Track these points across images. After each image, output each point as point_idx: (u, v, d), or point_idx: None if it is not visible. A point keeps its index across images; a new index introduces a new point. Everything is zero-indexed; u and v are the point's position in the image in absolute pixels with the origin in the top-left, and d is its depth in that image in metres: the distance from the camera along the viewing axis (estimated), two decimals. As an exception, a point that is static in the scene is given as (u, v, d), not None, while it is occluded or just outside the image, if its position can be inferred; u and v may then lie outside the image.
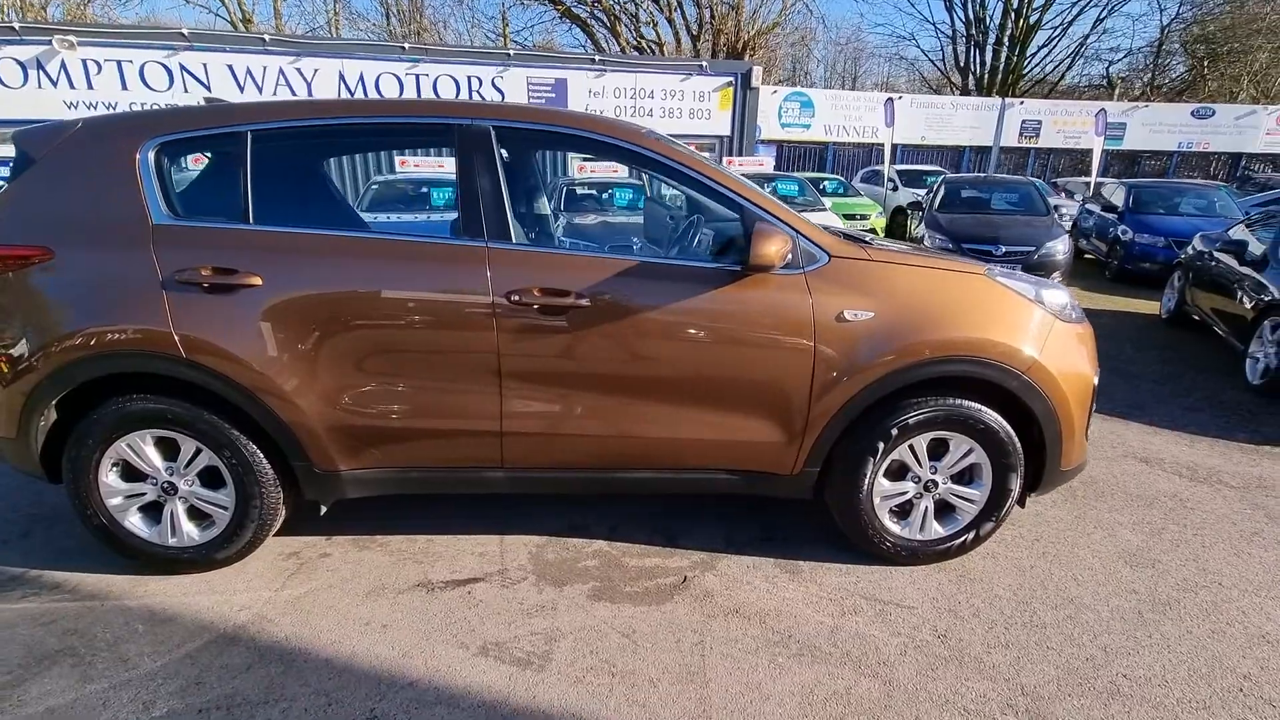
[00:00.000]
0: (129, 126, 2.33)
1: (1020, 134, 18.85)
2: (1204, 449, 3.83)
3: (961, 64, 25.41)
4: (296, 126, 2.34)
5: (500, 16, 19.92)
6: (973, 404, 2.39)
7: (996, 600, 2.42)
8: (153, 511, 2.41)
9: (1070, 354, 2.46)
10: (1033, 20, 23.46)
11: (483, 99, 11.64)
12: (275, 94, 10.48)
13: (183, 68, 10.10)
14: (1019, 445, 2.44)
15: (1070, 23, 23.47)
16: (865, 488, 2.46)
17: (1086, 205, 11.76)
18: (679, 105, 12.63)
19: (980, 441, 2.44)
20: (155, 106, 10.14)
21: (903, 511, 2.56)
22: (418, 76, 11.21)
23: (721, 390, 2.36)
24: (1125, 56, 25.30)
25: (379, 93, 11.07)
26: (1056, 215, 9.23)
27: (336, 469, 2.36)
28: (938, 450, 2.48)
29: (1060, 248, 7.82)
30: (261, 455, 2.32)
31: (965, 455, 2.47)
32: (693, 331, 2.29)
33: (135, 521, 2.39)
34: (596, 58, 12.38)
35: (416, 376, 2.29)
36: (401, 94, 11.17)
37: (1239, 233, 6.21)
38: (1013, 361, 2.35)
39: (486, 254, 2.24)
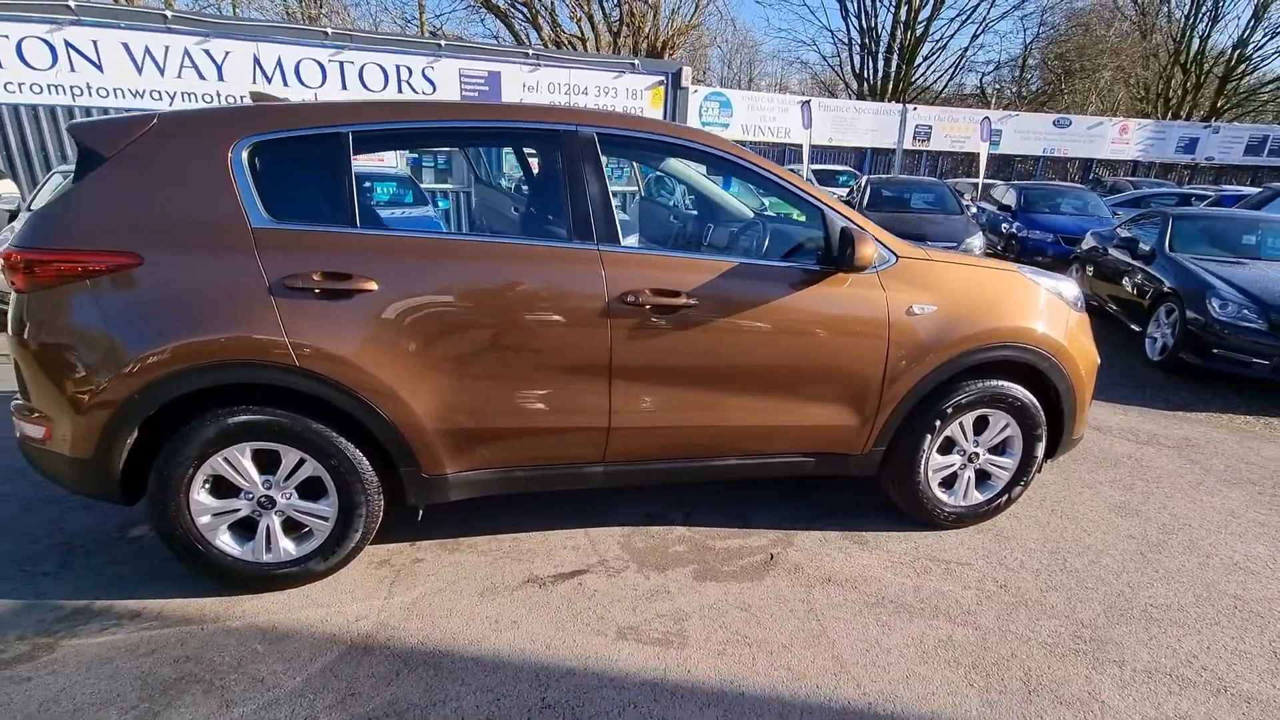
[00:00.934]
0: (217, 123, 2.21)
1: (914, 137, 20.49)
2: (1135, 417, 4.50)
3: (857, 70, 27.22)
4: (399, 129, 2.31)
5: (416, 2, 19.07)
6: (1012, 384, 2.76)
7: (1032, 553, 2.80)
8: (241, 528, 2.30)
9: (1082, 338, 2.89)
10: (919, 33, 25.62)
11: (413, 90, 11.23)
12: (180, 77, 9.59)
13: (69, 44, 8.99)
14: (1044, 418, 2.84)
15: (951, 37, 25.86)
16: (923, 462, 2.77)
17: (978, 204, 13.12)
18: (612, 103, 12.74)
19: (1015, 416, 2.81)
20: (36, 87, 9.00)
21: (948, 482, 2.89)
22: (342, 64, 10.62)
23: (808, 380, 2.57)
24: (995, 69, 28.16)
25: (299, 79, 10.39)
26: (968, 214, 10.24)
27: (444, 472, 2.36)
28: (979, 426, 2.83)
29: (977, 243, 8.72)
30: (367, 463, 2.29)
31: (1003, 429, 2.84)
32: (784, 327, 2.49)
33: (226, 540, 2.28)
34: (530, 51, 12.24)
35: (530, 376, 2.34)
36: (324, 82, 10.55)
37: (1128, 230, 7.22)
38: (1046, 346, 2.74)
39: (600, 257, 2.32)
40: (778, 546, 2.77)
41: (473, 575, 2.50)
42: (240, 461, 2.21)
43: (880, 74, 26.38)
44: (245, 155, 2.15)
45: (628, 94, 12.82)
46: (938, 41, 26.29)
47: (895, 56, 25.47)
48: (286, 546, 2.33)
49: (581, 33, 19.10)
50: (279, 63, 10.19)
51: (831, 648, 2.19)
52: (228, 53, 9.84)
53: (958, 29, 25.86)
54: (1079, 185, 14.06)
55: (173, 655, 2.06)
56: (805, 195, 2.55)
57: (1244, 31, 28.12)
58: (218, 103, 9.96)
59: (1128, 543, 2.92)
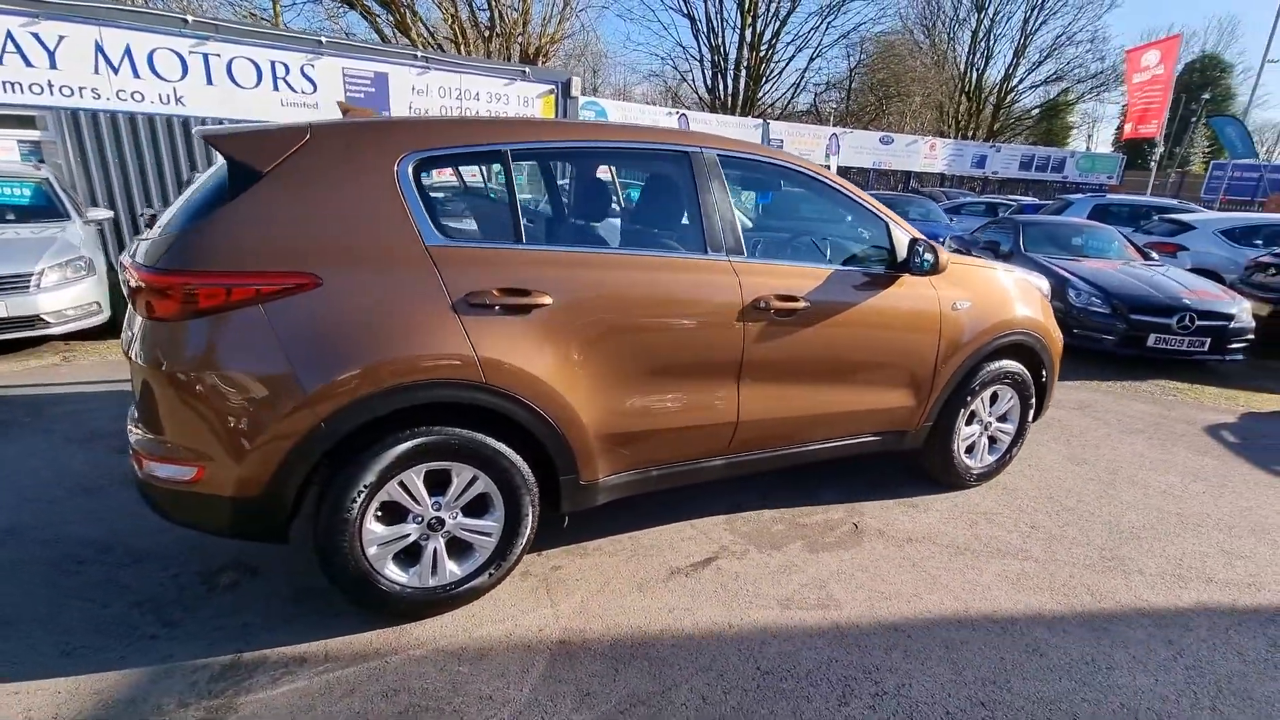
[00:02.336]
0: (380, 138, 2.13)
1: (768, 150, 22.30)
2: (1037, 387, 5.52)
3: (710, 86, 29.03)
4: (550, 148, 2.36)
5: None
6: (1016, 363, 3.38)
7: (1033, 500, 3.46)
8: (403, 554, 2.23)
9: (1054, 323, 3.61)
10: (762, 54, 27.92)
11: (290, 88, 10.31)
12: (2, 62, 8.02)
13: None
14: (1034, 389, 3.51)
15: (790, 59, 28.51)
16: (957, 433, 3.31)
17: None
18: (504, 109, 12.56)
19: (1016, 389, 3.45)
20: None
21: (970, 449, 3.47)
22: (206, 56, 9.47)
23: (884, 367, 2.99)
24: (825, 90, 31.46)
25: (154, 71, 9.11)
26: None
27: (596, 478, 2.45)
28: (992, 399, 3.43)
29: (862, 247, 9.89)
30: (532, 474, 2.32)
31: (1008, 400, 3.46)
32: (869, 322, 2.88)
33: (392, 569, 2.20)
34: (419, 54, 11.68)
35: (676, 379, 2.50)
36: (184, 75, 9.36)
37: (985, 234, 8.64)
38: (1039, 330, 3.40)
39: (733, 267, 2.55)
40: (854, 516, 3.16)
41: (618, 575, 2.61)
42: (415, 484, 2.15)
43: (730, 90, 28.42)
44: (411, 171, 2.11)
45: (520, 101, 12.71)
46: (776, 62, 28.91)
47: (744, 74, 27.59)
48: (451, 568, 2.29)
49: (455, 36, 18.46)
50: (128, 52, 8.90)
51: (948, 590, 2.61)
52: (62, 37, 8.41)
53: (795, 53, 28.63)
54: (921, 194, 16.25)
55: (378, 691, 1.97)
56: (877, 212, 2.96)
57: (1009, 67, 34.05)
58: (49, 95, 8.49)
59: (1090, 484, 3.69)
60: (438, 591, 2.28)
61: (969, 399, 3.26)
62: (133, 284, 1.97)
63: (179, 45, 9.25)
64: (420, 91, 11.50)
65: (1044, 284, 3.71)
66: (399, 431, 2.07)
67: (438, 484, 2.21)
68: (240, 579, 2.46)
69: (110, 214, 6.93)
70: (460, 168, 2.24)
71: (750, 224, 3.80)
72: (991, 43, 33.17)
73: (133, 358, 2.03)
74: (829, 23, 28.92)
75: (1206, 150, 40.09)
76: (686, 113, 17.65)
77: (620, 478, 2.53)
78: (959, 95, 32.87)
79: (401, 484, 2.13)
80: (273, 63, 10.03)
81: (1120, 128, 41.70)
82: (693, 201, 2.56)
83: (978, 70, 33.75)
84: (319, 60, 10.39)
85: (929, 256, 2.82)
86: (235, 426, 1.91)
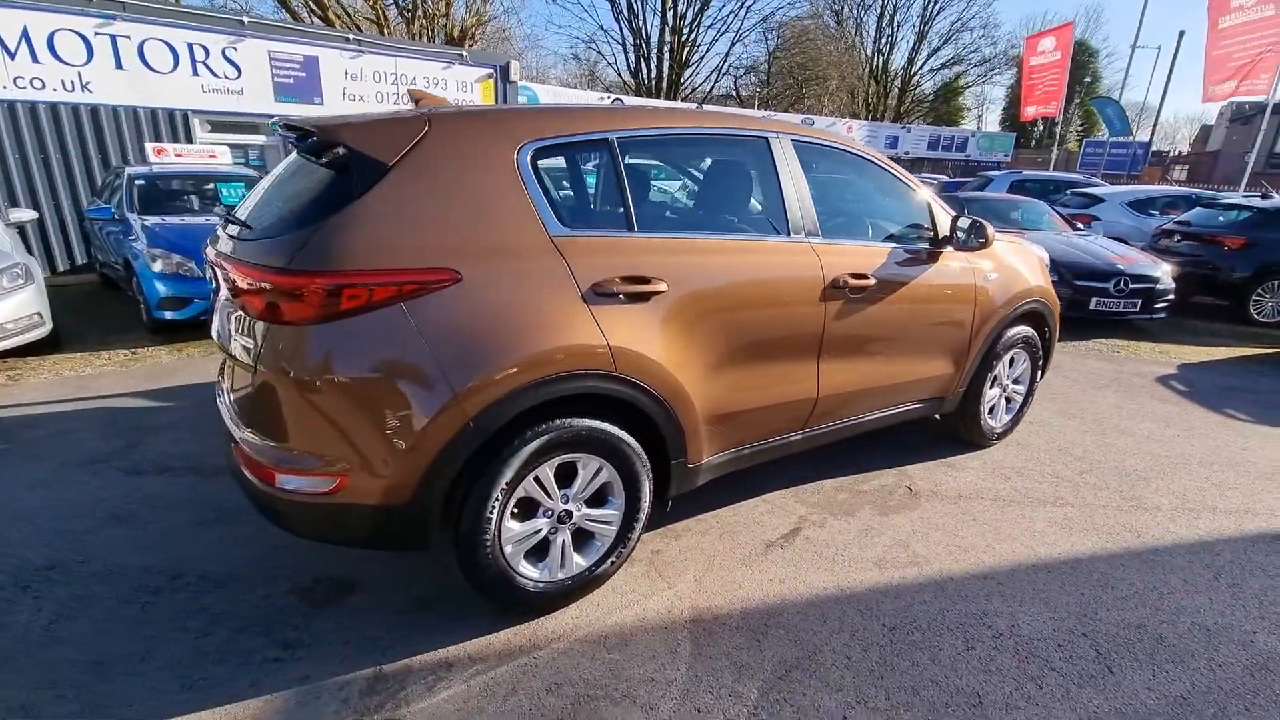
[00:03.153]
0: (498, 127, 2.06)
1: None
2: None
3: (634, 70, 28.95)
4: (649, 135, 2.35)
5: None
6: (1029, 328, 3.67)
7: (1048, 453, 3.79)
8: (533, 549, 2.21)
9: (1052, 288, 3.93)
10: (684, 37, 28.10)
11: (211, 72, 9.51)
12: None
13: None
14: (1042, 350, 3.83)
15: (713, 43, 28.81)
16: (984, 396, 3.57)
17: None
18: (442, 95, 12.11)
19: (1029, 353, 3.75)
20: None
21: (992, 410, 3.75)
22: (114, 38, 8.57)
23: (932, 338, 3.18)
24: (745, 73, 32.08)
25: (54, 55, 8.17)
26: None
27: (701, 460, 2.51)
28: (1011, 363, 3.72)
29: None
30: (648, 461, 2.34)
31: (1023, 363, 3.76)
32: (923, 295, 3.06)
33: (526, 566, 2.17)
34: (351, 37, 11.01)
35: (769, 358, 2.58)
36: (90, 59, 8.44)
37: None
38: (1048, 297, 3.71)
39: (813, 248, 2.65)
40: (905, 480, 3.37)
41: (718, 551, 2.68)
42: (548, 478, 2.14)
43: (654, 74, 28.47)
44: (529, 160, 2.06)
45: (458, 86, 12.30)
46: (699, 46, 29.20)
47: (667, 57, 27.71)
48: (577, 559, 2.30)
49: (377, 18, 17.41)
50: (25, 34, 7.93)
51: (1013, 538, 2.85)
52: (-61, 13, 7.40)
53: (716, 37, 29.03)
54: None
55: (540, 687, 1.96)
56: (928, 196, 3.14)
57: (912, 52, 35.89)
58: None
59: (1087, 435, 4.08)
60: (567, 583, 2.27)
61: (994, 364, 3.53)
62: (248, 285, 1.84)
63: (82, 26, 8.37)
64: (354, 76, 10.91)
65: (1044, 253, 4.04)
66: (535, 426, 2.04)
67: (565, 477, 2.20)
68: (339, 594, 2.36)
69: (35, 215, 6.20)
70: (569, 156, 2.20)
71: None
72: (895, 29, 34.86)
73: (247, 363, 1.90)
74: (747, 7, 29.53)
75: (1079, 129, 43.73)
76: (622, 98, 17.54)
77: (719, 458, 2.59)
78: (868, 79, 34.37)
79: (536, 479, 2.11)
80: (190, 45, 9.24)
81: (1008, 109, 44.91)
82: (775, 186, 2.63)
83: (883, 55, 35.41)
84: (242, 42, 9.64)
85: (979, 232, 3.02)
86: (382, 432, 1.84)
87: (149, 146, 7.44)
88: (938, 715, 1.90)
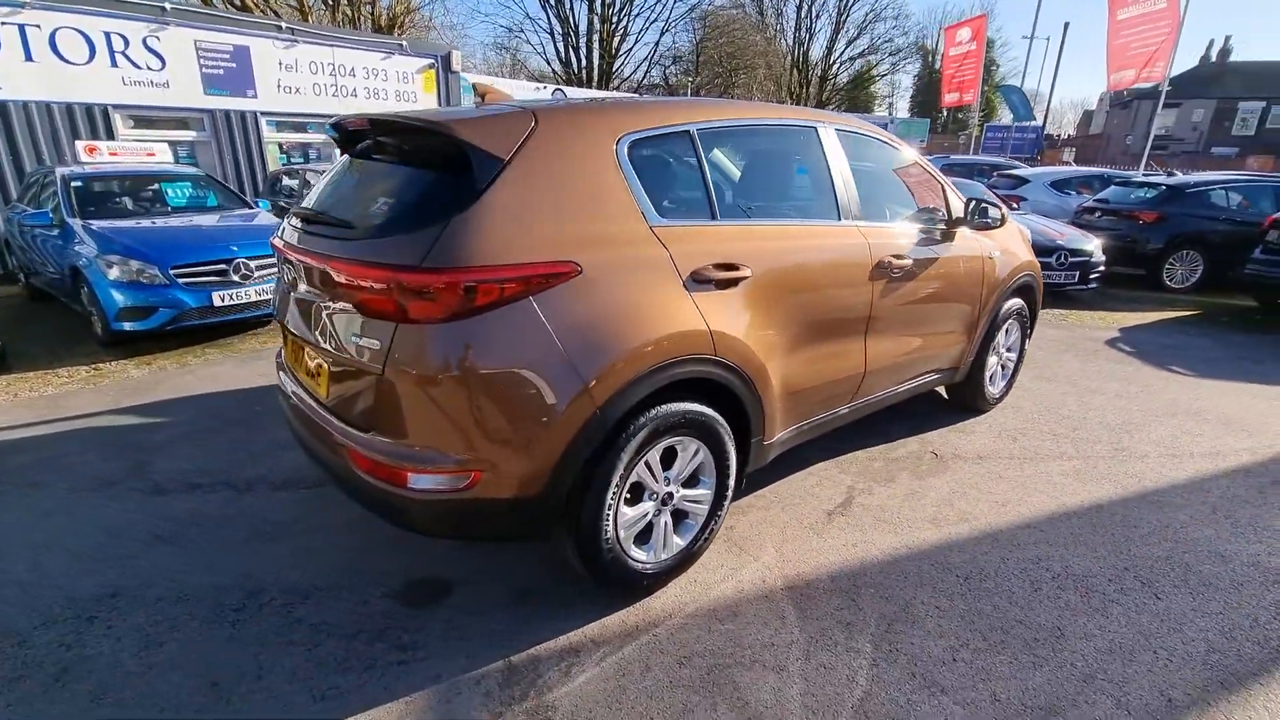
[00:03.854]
0: (598, 120, 2.10)
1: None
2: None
3: (564, 59, 28.65)
4: (723, 126, 2.43)
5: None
6: (1021, 299, 3.99)
7: (1041, 413, 4.14)
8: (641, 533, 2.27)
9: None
10: (613, 25, 28.03)
11: (131, 63, 8.80)
12: None
13: None
14: (1030, 319, 4.17)
15: (642, 32, 28.89)
16: (987, 365, 3.87)
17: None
18: (383, 85, 11.65)
19: (1019, 322, 4.08)
20: None
21: (992, 377, 4.06)
22: (21, 27, 7.78)
23: (952, 311, 3.42)
24: (674, 62, 32.33)
25: (-50, 43, 7.36)
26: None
27: (774, 436, 2.63)
28: (1007, 334, 4.03)
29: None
30: (734, 440, 2.44)
31: (1015, 333, 4.09)
32: (947, 271, 3.28)
33: (633, 548, 2.24)
34: (284, 25, 10.38)
35: (829, 336, 2.72)
36: (-6, 49, 7.66)
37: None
38: (1036, 270, 4.04)
39: (861, 231, 2.80)
40: (927, 446, 3.61)
41: (787, 523, 2.82)
42: (655, 462, 2.20)
43: (584, 64, 28.28)
44: (626, 152, 2.11)
45: (398, 77, 11.87)
46: (627, 34, 29.21)
47: (596, 47, 27.56)
48: (675, 539, 2.37)
49: (300, 4, 16.39)
50: (-86, 19, 7.12)
51: (1040, 491, 3.13)
52: None
53: (645, 26, 29.13)
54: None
55: (672, 660, 2.04)
56: (937, 176, 3.36)
57: (830, 41, 37.17)
58: None
59: (1067, 397, 4.47)
60: (668, 563, 2.35)
61: (995, 334, 3.82)
62: (370, 285, 1.81)
63: (-19, 12, 7.54)
64: (289, 67, 10.38)
65: (1027, 229, 4.38)
66: (648, 411, 2.10)
67: (666, 460, 2.27)
68: (436, 595, 2.34)
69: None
70: (659, 148, 2.26)
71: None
72: (814, 19, 35.99)
73: (367, 365, 1.87)
74: (674, -4, 29.71)
75: (981, 114, 46.45)
76: (560, 88, 17.38)
77: (786, 434, 2.72)
78: (791, 69, 35.39)
79: (646, 464, 2.17)
80: (107, 34, 8.54)
81: (915, 96, 47.18)
82: (826, 172, 2.77)
83: (803, 45, 36.52)
84: (165, 31, 8.99)
85: (994, 214, 3.27)
86: (518, 425, 1.85)
87: (79, 145, 6.84)
88: (1031, 650, 2.11)
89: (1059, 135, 44.63)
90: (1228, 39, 38.84)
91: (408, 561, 2.51)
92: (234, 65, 9.75)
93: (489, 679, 1.97)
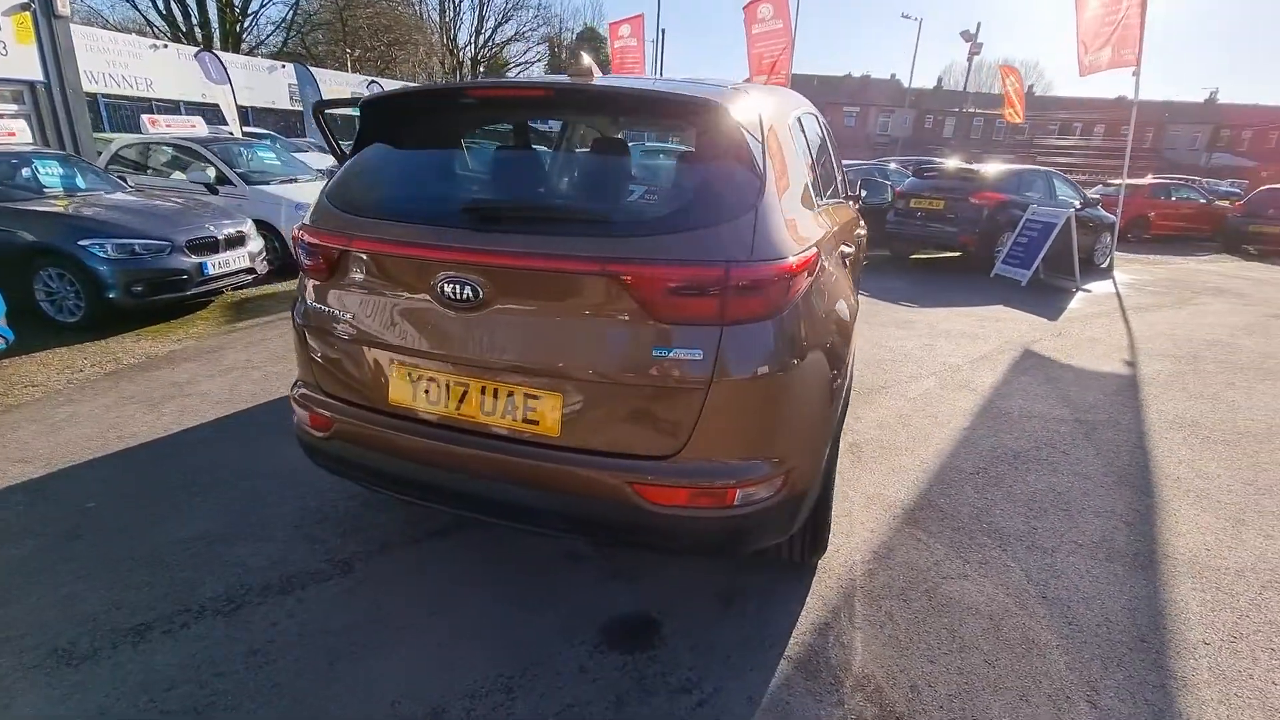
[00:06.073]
0: (785, 101, 2.09)
1: (291, 98, 19.58)
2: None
3: (164, 13, 22.52)
4: (805, 111, 2.55)
5: None
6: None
7: (863, 350, 5.27)
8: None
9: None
10: (234, -20, 23.08)
11: None
12: None
13: None
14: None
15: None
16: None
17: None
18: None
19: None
20: None
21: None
22: None
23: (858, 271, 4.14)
24: (314, 30, 28.06)
25: None
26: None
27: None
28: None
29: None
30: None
31: (857, 287, 5.10)
32: (859, 240, 3.96)
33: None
34: None
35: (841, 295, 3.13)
36: None
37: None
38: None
39: (848, 206, 3.24)
40: (845, 386, 4.34)
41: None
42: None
43: (198, 19, 22.79)
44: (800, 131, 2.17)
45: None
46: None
47: (213, 2, 22.45)
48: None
49: None
50: None
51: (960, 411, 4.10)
52: None
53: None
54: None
55: (881, 589, 2.26)
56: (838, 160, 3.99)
57: (476, 25, 37.12)
58: None
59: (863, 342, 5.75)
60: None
61: (858, 289, 4.74)
62: (690, 287, 1.56)
63: None
64: None
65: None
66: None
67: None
68: (648, 631, 2.09)
69: None
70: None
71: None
72: (459, 2, 35.40)
73: (688, 378, 1.60)
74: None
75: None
76: (204, 50, 13.96)
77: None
78: (443, 50, 34.33)
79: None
80: None
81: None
82: (828, 154, 3.12)
83: (450, 29, 35.73)
84: None
85: (887, 195, 4.05)
86: (818, 417, 1.84)
87: None
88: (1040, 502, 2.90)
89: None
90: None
91: (581, 615, 2.15)
92: None
93: (793, 682, 1.91)
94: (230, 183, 7.21)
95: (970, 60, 26.36)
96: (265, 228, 6.83)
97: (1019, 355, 5.16)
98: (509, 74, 44.10)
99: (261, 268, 6.12)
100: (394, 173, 1.99)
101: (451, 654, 1.96)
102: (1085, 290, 8.05)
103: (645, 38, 18.32)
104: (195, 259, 5.31)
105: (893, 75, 50.28)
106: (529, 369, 1.69)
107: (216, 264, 5.49)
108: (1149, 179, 15.98)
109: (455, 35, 35.98)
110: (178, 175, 7.56)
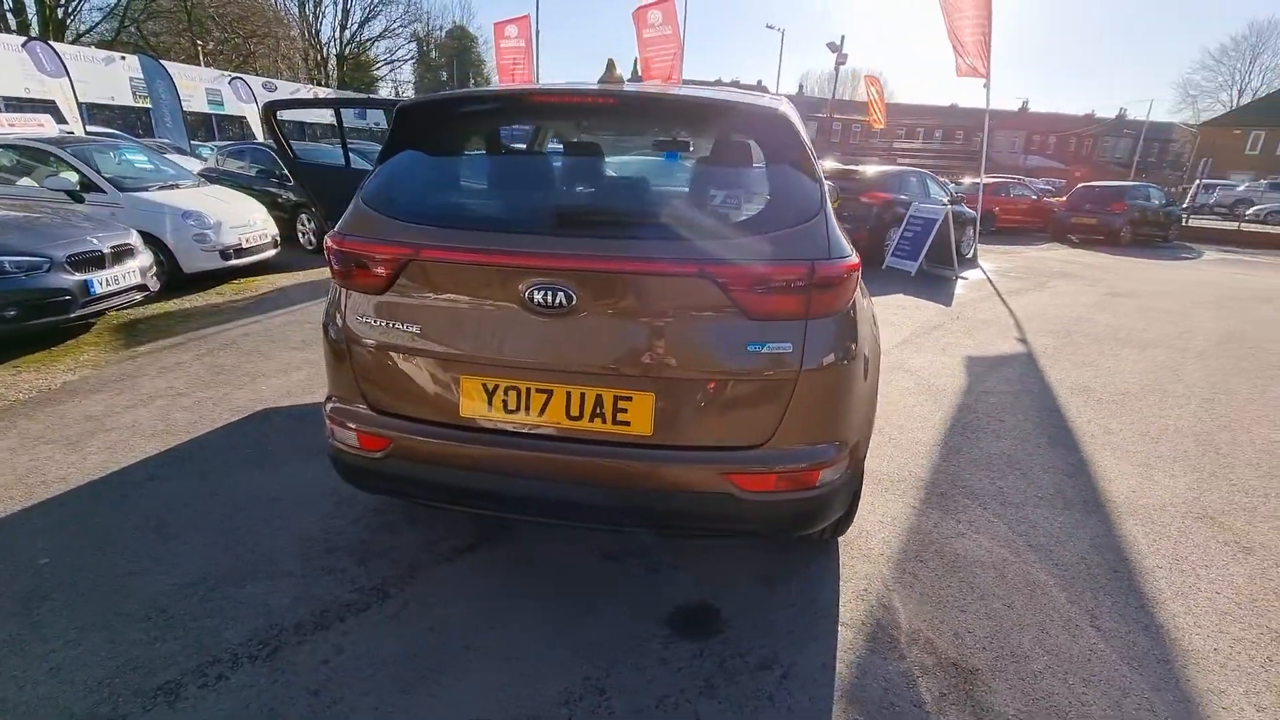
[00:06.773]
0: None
1: (133, 93, 17.50)
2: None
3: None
4: None
5: None
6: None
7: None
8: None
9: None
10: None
11: None
12: None
13: None
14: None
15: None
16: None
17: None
18: None
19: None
20: None
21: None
22: None
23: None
24: (150, 18, 24.90)
25: None
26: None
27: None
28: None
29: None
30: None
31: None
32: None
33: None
34: None
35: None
36: None
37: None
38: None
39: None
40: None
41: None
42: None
43: (12, 5, 19.56)
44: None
45: None
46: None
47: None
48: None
49: None
50: None
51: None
52: None
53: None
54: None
55: (918, 548, 2.49)
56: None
57: (341, 21, 34.92)
58: None
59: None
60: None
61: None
62: (780, 285, 1.67)
63: None
64: None
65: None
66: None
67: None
68: (711, 619, 2.16)
69: None
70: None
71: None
72: (319, 3, 33.17)
73: (774, 371, 1.71)
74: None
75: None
76: (36, 39, 12.08)
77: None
78: (305, 46, 31.98)
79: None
80: None
81: (445, 82, 48.39)
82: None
83: (312, 24, 33.41)
84: None
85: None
86: (869, 397, 2.02)
87: None
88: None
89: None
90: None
91: (641, 610, 2.19)
92: None
93: (856, 645, 2.07)
94: (99, 189, 6.38)
95: (837, 69, 28.45)
96: (149, 240, 6.11)
97: (933, 338, 5.72)
98: (375, 72, 41.94)
99: (154, 284, 5.49)
100: (461, 179, 1.92)
101: (529, 665, 1.93)
102: (963, 278, 9.01)
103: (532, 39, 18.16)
104: (79, 276, 4.67)
105: (759, 81, 53.12)
106: (621, 371, 1.71)
107: (104, 281, 4.85)
108: (990, 178, 18.13)
109: (318, 30, 33.68)
110: (27, 182, 6.59)
